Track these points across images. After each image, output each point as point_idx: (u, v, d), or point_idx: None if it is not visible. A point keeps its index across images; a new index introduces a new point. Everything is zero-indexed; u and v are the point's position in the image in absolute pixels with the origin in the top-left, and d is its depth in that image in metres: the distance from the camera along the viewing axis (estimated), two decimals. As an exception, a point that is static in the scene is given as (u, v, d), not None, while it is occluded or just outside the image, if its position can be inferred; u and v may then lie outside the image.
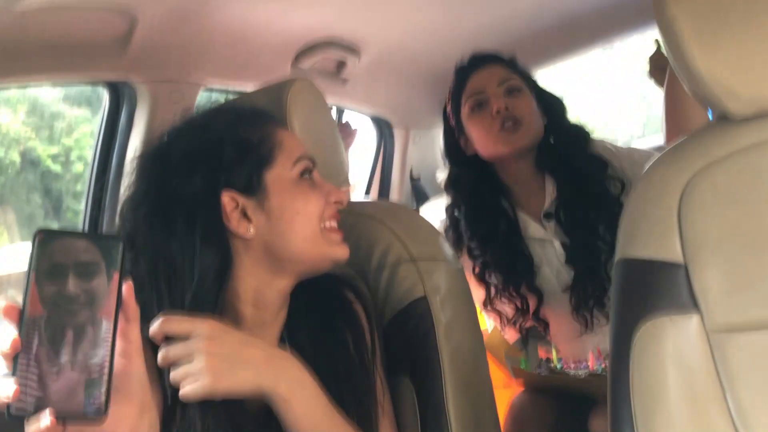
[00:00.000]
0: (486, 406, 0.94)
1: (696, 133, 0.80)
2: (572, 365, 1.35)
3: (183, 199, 0.80)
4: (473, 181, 1.46)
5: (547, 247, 1.42)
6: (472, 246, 1.44)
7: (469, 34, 1.70)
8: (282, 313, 0.86)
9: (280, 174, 0.84)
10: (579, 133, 1.47)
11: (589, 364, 1.34)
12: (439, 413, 0.87)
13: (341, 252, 0.86)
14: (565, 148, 1.43)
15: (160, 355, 0.71)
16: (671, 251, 0.73)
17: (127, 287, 0.56)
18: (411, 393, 0.90)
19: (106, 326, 0.54)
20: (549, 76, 2.03)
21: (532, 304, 1.42)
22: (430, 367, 0.89)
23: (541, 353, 1.43)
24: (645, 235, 0.75)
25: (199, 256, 0.78)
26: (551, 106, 1.47)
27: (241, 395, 0.74)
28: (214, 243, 0.79)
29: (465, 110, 1.45)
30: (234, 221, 0.81)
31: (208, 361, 0.70)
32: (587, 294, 1.37)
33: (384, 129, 2.12)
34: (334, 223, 0.86)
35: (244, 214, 0.82)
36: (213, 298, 0.78)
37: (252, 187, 0.82)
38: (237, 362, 0.73)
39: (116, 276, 0.55)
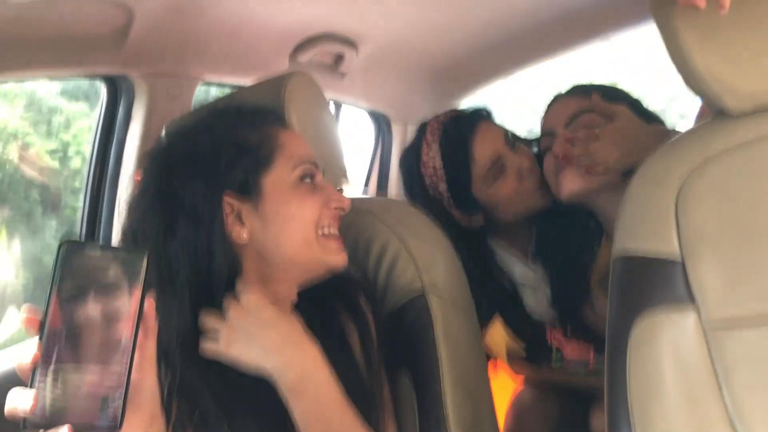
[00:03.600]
0: (484, 401, 0.94)
1: (693, 128, 0.80)
2: (572, 363, 1.34)
3: (184, 202, 0.80)
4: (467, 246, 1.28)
5: (538, 294, 1.37)
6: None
7: (468, 28, 1.69)
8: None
9: (278, 177, 0.83)
10: None
11: (590, 361, 1.33)
12: (436, 408, 0.87)
13: (337, 259, 0.84)
14: None
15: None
16: (668, 247, 0.73)
17: (149, 303, 0.56)
18: (409, 388, 0.90)
19: (125, 342, 0.54)
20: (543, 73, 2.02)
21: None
22: (428, 363, 0.89)
23: (553, 338, 1.38)
24: (642, 231, 0.75)
25: (201, 260, 0.79)
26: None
27: (247, 369, 0.77)
28: (217, 249, 0.79)
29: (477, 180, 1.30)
30: (228, 226, 0.80)
31: (227, 329, 0.77)
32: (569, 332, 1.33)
33: (382, 124, 2.11)
34: (333, 230, 0.85)
35: (239, 218, 0.81)
36: (219, 305, 0.79)
37: (248, 190, 0.81)
38: (250, 339, 0.77)
39: (138, 290, 0.55)
